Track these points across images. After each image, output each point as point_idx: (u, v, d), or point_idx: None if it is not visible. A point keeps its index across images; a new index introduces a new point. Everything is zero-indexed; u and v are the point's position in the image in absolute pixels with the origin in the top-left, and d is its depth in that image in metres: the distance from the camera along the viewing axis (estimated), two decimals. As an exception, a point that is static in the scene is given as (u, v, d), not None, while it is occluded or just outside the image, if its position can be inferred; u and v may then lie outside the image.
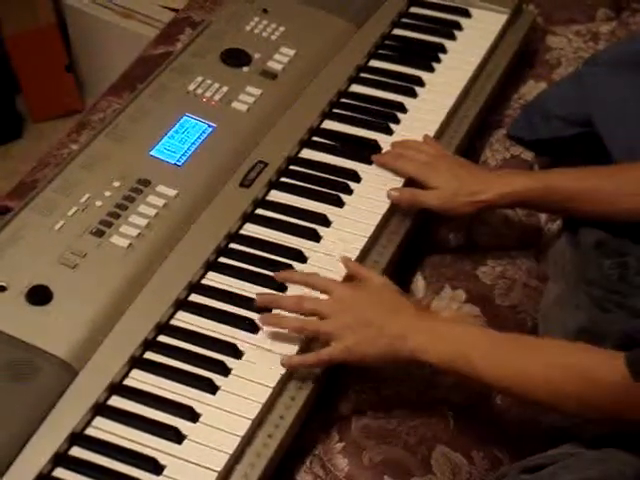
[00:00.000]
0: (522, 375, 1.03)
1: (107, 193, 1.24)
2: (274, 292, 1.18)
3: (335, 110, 1.47)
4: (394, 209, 1.33)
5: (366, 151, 1.39)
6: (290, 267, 1.23)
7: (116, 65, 1.87)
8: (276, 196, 1.33)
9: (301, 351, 1.15)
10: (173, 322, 1.17)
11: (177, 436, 1.06)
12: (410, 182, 1.35)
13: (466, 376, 1.08)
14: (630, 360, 0.96)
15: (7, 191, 1.46)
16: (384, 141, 1.41)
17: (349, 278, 1.21)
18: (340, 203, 1.32)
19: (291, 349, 1.14)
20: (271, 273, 1.22)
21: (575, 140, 1.48)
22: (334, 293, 1.14)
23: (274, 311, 1.16)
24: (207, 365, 1.12)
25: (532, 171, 1.48)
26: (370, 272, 1.20)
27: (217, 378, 1.11)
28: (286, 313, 1.15)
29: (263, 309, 1.16)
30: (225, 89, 1.41)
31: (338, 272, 1.22)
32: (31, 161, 1.56)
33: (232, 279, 1.22)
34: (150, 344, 1.14)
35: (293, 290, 1.20)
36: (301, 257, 1.25)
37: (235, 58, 1.47)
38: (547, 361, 1.03)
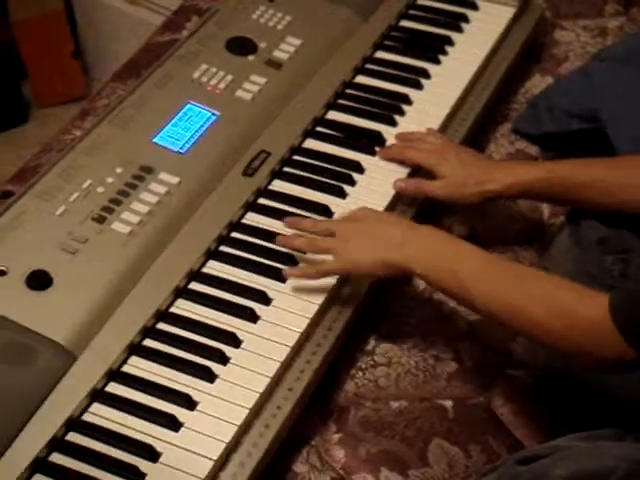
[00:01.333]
0: (506, 301, 1.05)
1: (109, 179, 1.24)
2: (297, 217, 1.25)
3: (340, 101, 1.46)
4: (397, 201, 1.33)
5: (370, 142, 1.39)
6: (291, 257, 1.23)
7: (123, 52, 1.87)
8: (279, 186, 1.33)
9: (299, 344, 1.15)
10: (173, 310, 1.17)
11: (174, 424, 1.05)
12: (414, 173, 1.35)
13: (452, 292, 1.10)
14: (613, 304, 0.97)
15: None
16: (388, 133, 1.41)
17: None
18: (343, 194, 1.32)
19: (290, 339, 1.14)
20: (272, 262, 1.22)
21: (581, 135, 1.47)
22: (348, 216, 1.21)
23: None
24: (206, 353, 1.12)
25: (539, 161, 1.47)
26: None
27: (215, 366, 1.11)
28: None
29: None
30: (230, 77, 1.41)
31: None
32: (36, 146, 1.56)
33: (233, 268, 1.22)
34: (149, 331, 1.14)
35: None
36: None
37: (240, 47, 1.46)
38: (532, 292, 1.04)
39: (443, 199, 1.31)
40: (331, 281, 1.20)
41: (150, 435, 1.05)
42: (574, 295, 1.02)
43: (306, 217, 1.26)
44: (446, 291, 1.12)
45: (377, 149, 1.38)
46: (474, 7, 1.64)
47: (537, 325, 1.02)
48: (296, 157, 1.37)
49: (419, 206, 1.35)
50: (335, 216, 1.29)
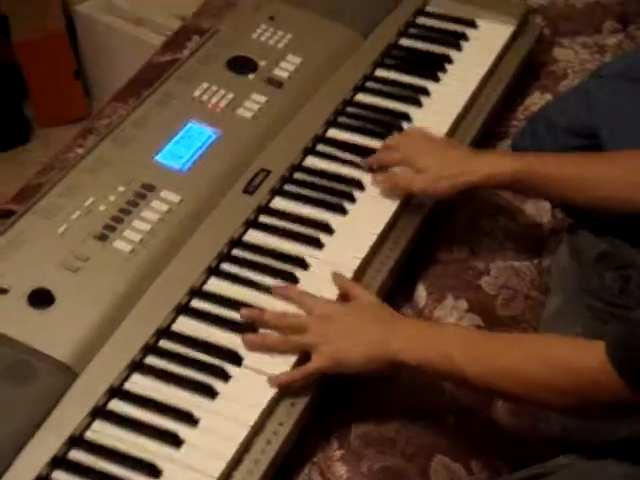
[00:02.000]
0: (504, 370, 1.04)
1: (111, 198, 1.25)
2: (257, 309, 1.18)
3: (340, 119, 1.47)
4: (397, 217, 1.33)
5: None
6: (292, 274, 1.23)
7: (124, 72, 1.87)
8: (279, 203, 1.33)
9: (301, 359, 1.15)
10: (174, 327, 1.17)
11: (176, 441, 1.06)
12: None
13: (447, 375, 1.09)
14: (610, 349, 0.96)
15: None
16: (388, 150, 1.41)
17: (343, 296, 1.21)
18: (343, 211, 1.32)
19: (290, 358, 1.14)
20: (273, 280, 1.22)
21: (580, 151, 1.47)
22: (315, 308, 1.16)
23: (260, 330, 1.17)
24: (207, 371, 1.12)
25: (518, 154, 1.47)
26: (362, 291, 1.20)
27: (217, 384, 1.11)
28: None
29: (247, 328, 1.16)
30: (231, 96, 1.42)
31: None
32: (38, 166, 1.57)
33: (234, 285, 1.22)
34: (151, 349, 1.14)
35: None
36: (303, 264, 1.25)
37: (241, 65, 1.47)
38: (527, 354, 1.04)
39: (421, 192, 1.31)
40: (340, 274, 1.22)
41: (152, 452, 1.05)
42: (569, 347, 1.02)
43: (261, 309, 1.18)
44: (441, 375, 1.11)
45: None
46: (473, 25, 1.65)
47: (540, 386, 1.01)
48: (296, 175, 1.38)
49: (417, 227, 1.35)
50: (336, 234, 1.29)
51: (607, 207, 1.24)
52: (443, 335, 1.10)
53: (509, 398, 1.13)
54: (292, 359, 1.14)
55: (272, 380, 1.11)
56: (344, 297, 1.21)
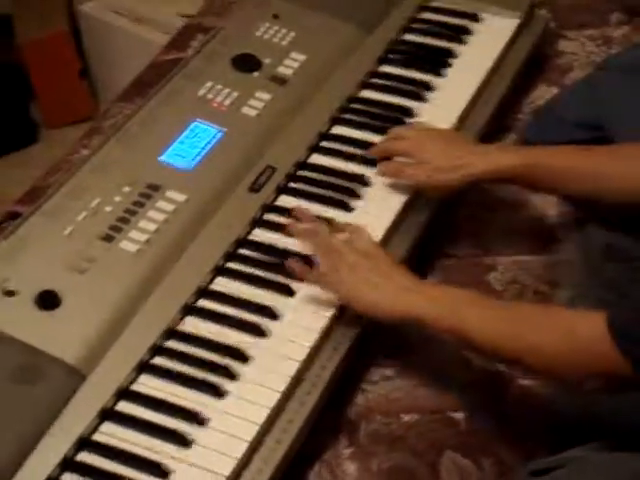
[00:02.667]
0: (509, 335, 1.05)
1: (117, 198, 1.25)
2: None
3: (345, 115, 1.47)
4: (404, 213, 1.33)
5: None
6: (299, 272, 1.23)
7: (130, 71, 1.87)
8: (285, 201, 1.33)
9: (311, 354, 1.15)
10: (181, 328, 1.17)
11: (185, 441, 1.05)
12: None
13: (454, 335, 1.10)
14: (611, 319, 0.97)
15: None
16: (394, 146, 1.41)
17: None
18: (349, 208, 1.32)
19: (299, 354, 1.14)
20: (280, 278, 1.22)
21: (587, 144, 1.47)
22: (353, 246, 1.20)
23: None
24: (215, 370, 1.12)
25: (520, 147, 1.47)
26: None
27: (225, 383, 1.11)
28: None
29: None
30: (235, 94, 1.42)
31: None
32: (45, 167, 1.56)
33: (241, 284, 1.22)
34: (158, 349, 1.14)
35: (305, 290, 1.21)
36: (310, 263, 1.24)
37: (245, 63, 1.47)
38: (528, 317, 1.06)
39: (423, 184, 1.31)
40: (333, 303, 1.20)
41: (161, 453, 1.05)
42: (570, 315, 1.04)
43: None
44: (447, 333, 1.12)
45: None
46: (477, 19, 1.64)
47: (541, 351, 1.02)
48: (302, 172, 1.37)
49: (425, 222, 1.34)
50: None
51: (609, 198, 1.24)
52: (455, 296, 1.12)
53: (516, 364, 1.14)
54: (301, 356, 1.14)
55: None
56: None
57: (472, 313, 1.08)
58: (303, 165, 1.38)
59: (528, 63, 1.63)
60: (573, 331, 1.01)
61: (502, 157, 1.28)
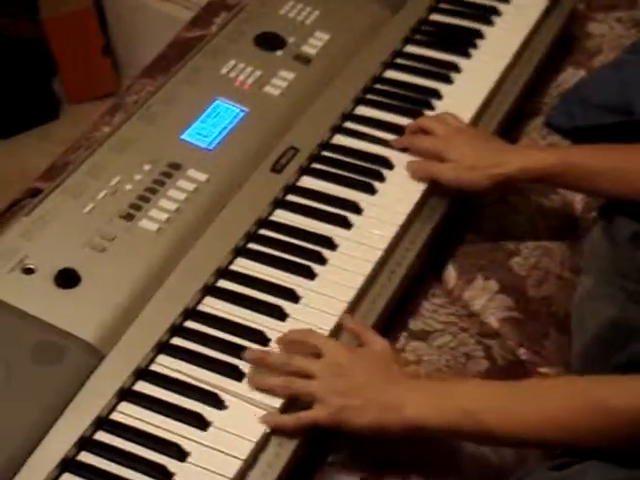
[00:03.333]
0: (536, 423, 0.97)
1: (137, 177, 1.24)
2: (261, 350, 1.11)
3: (369, 96, 1.45)
4: (427, 196, 1.31)
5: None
6: (319, 254, 1.22)
7: (153, 48, 1.86)
8: (307, 182, 1.32)
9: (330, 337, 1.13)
10: (201, 308, 1.16)
11: (202, 423, 1.05)
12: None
13: (475, 434, 1.01)
14: None
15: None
16: (418, 128, 1.39)
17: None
18: (372, 190, 1.31)
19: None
20: (301, 260, 1.21)
21: (614, 128, 1.45)
22: (327, 354, 1.07)
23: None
24: (234, 352, 1.11)
25: (553, 147, 1.45)
26: (372, 336, 1.11)
27: (244, 365, 1.10)
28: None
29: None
30: (258, 73, 1.40)
31: (367, 259, 1.21)
32: (68, 142, 1.56)
33: (262, 265, 1.21)
34: (177, 329, 1.14)
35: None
36: (331, 245, 1.23)
37: (269, 42, 1.45)
38: (558, 404, 0.98)
39: (453, 183, 1.28)
40: (360, 278, 1.19)
41: (178, 434, 1.04)
42: (608, 387, 0.97)
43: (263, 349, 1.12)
44: (466, 436, 1.03)
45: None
46: (506, 0, 1.62)
47: (580, 435, 0.96)
48: (325, 153, 1.36)
49: (445, 207, 1.32)
50: (365, 213, 1.27)
51: None
52: (463, 393, 1.02)
53: (552, 448, 1.06)
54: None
55: (265, 418, 1.04)
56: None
57: (483, 404, 0.99)
58: (326, 146, 1.37)
59: (556, 45, 1.61)
60: (615, 409, 0.94)
61: (537, 156, 1.25)
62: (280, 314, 1.15)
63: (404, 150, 1.36)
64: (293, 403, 1.07)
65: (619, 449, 0.97)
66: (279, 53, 1.44)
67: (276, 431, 1.05)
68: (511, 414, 0.99)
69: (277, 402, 1.07)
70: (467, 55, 1.52)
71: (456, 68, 1.49)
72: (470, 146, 1.28)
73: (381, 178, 1.32)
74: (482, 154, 1.26)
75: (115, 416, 1.06)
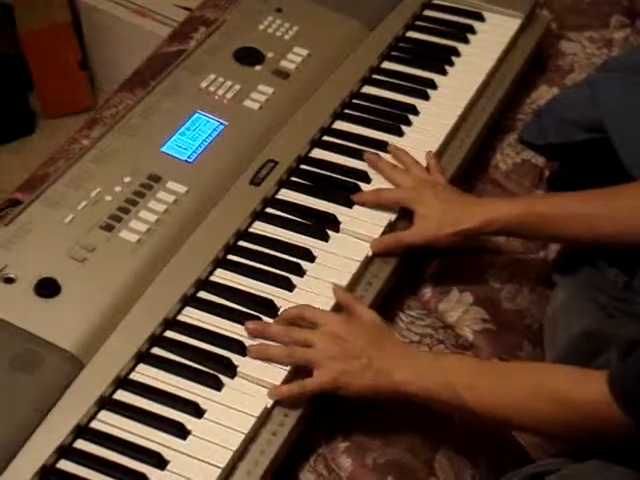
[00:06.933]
0: (504, 403, 1.04)
1: (117, 188, 1.25)
2: (262, 322, 1.16)
3: (347, 111, 1.47)
4: (404, 211, 1.33)
5: (377, 152, 1.39)
6: (298, 266, 1.23)
7: (129, 63, 1.88)
8: (286, 195, 1.33)
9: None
10: (180, 318, 1.17)
11: (182, 431, 1.06)
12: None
13: (452, 407, 1.08)
14: (612, 380, 0.96)
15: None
16: (395, 143, 1.41)
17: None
18: (350, 203, 1.32)
19: (297, 347, 1.14)
20: (279, 271, 1.22)
21: (587, 145, 1.47)
22: (325, 324, 1.13)
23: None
24: (213, 362, 1.12)
25: (516, 197, 1.45)
26: (361, 307, 1.18)
27: (223, 375, 1.11)
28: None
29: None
30: (237, 87, 1.42)
31: (345, 270, 1.23)
32: (43, 157, 1.56)
33: (240, 276, 1.22)
34: (157, 339, 1.14)
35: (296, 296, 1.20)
36: (310, 256, 1.25)
37: (248, 57, 1.47)
38: (527, 388, 1.03)
39: (424, 245, 1.28)
40: (341, 287, 1.21)
41: (158, 442, 1.05)
42: (569, 380, 1.02)
43: (270, 320, 1.17)
44: (445, 407, 1.09)
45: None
46: (480, 19, 1.64)
47: (545, 420, 1.02)
48: (303, 166, 1.38)
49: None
50: (343, 225, 1.29)
51: (614, 243, 1.22)
52: (446, 366, 1.09)
53: (518, 430, 1.14)
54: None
55: (270, 392, 1.09)
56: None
57: (467, 385, 1.05)
58: (304, 159, 1.38)
59: (529, 63, 1.64)
60: (570, 401, 0.99)
61: (500, 207, 1.25)
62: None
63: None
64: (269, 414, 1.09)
65: (581, 440, 1.02)
66: (258, 68, 1.46)
67: (282, 402, 1.10)
68: (483, 392, 1.05)
69: (257, 410, 1.08)
70: (443, 72, 1.54)
71: (432, 84, 1.52)
72: (437, 200, 1.27)
73: (359, 191, 1.34)
74: (449, 209, 1.26)
75: (95, 424, 1.06)
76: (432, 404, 1.09)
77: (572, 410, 0.99)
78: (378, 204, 1.32)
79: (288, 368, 1.12)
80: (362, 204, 1.32)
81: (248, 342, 1.14)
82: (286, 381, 1.11)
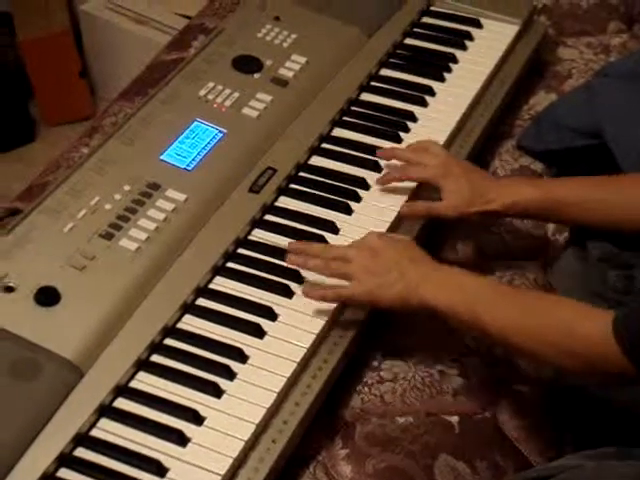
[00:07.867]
0: (517, 327, 1.07)
1: (117, 196, 1.25)
2: (304, 241, 1.24)
3: (345, 118, 1.47)
4: (402, 217, 1.33)
5: (376, 160, 1.39)
6: (298, 274, 1.23)
7: (129, 71, 1.88)
8: (285, 202, 1.34)
9: (306, 359, 1.15)
10: (180, 325, 1.18)
11: (181, 439, 1.06)
12: (419, 188, 1.35)
13: (470, 325, 1.12)
14: (617, 322, 0.98)
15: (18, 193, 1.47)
16: (394, 149, 1.41)
17: None
18: (349, 210, 1.33)
19: (296, 354, 1.14)
20: (278, 279, 1.22)
21: (585, 151, 1.48)
22: (361, 241, 1.20)
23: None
24: (213, 369, 1.12)
25: (539, 180, 1.47)
26: (398, 236, 1.26)
27: (222, 382, 1.11)
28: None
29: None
30: (236, 95, 1.42)
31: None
32: (43, 165, 1.57)
33: (240, 284, 1.22)
34: (157, 347, 1.15)
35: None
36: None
37: (247, 65, 1.48)
38: (536, 316, 1.07)
39: (452, 218, 1.30)
40: None
41: (158, 450, 1.05)
42: (573, 313, 1.05)
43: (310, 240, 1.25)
44: (463, 325, 1.14)
45: (382, 165, 1.39)
46: (478, 25, 1.65)
47: (549, 346, 1.04)
48: (302, 174, 1.38)
49: (422, 225, 1.34)
50: (341, 233, 1.29)
51: (631, 229, 1.24)
52: (472, 287, 1.13)
53: (523, 355, 1.18)
54: (298, 357, 1.14)
55: (305, 288, 1.19)
56: None
57: (485, 305, 1.10)
58: (303, 166, 1.39)
59: (527, 69, 1.65)
60: (572, 331, 1.02)
61: (523, 191, 1.27)
62: (258, 331, 1.17)
63: (379, 171, 1.38)
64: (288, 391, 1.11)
65: (575, 370, 1.05)
66: (257, 76, 1.46)
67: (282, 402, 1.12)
68: (499, 315, 1.09)
69: (257, 417, 1.08)
70: (441, 79, 1.55)
71: (430, 91, 1.52)
72: (465, 178, 1.29)
73: (357, 198, 1.34)
74: (477, 188, 1.28)
75: (95, 432, 1.07)
76: (452, 321, 1.14)
77: (575, 342, 1.02)
78: (406, 180, 1.35)
79: (287, 376, 1.12)
80: (388, 184, 1.36)
81: (247, 348, 1.14)
82: (284, 389, 1.11)
